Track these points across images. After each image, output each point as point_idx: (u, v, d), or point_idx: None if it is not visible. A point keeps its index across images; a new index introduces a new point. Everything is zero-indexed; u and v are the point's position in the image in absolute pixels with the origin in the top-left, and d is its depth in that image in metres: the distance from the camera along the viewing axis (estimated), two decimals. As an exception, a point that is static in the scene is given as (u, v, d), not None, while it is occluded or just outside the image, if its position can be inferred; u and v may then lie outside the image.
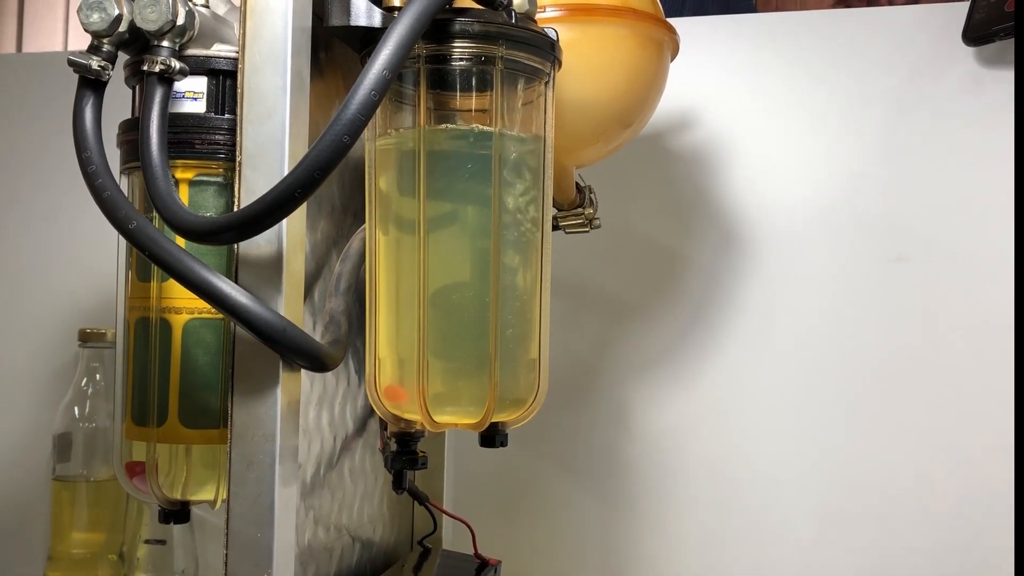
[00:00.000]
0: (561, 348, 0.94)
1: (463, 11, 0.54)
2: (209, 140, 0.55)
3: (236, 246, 0.50)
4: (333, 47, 0.62)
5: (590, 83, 0.68)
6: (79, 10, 0.51)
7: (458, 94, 0.56)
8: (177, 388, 0.56)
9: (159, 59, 0.51)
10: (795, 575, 0.93)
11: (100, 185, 0.49)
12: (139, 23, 0.52)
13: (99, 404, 0.92)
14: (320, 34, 0.56)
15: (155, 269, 0.56)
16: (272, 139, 0.50)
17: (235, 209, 0.49)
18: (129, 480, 0.59)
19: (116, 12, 0.51)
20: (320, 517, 0.64)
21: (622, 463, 0.98)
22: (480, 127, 0.56)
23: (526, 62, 0.56)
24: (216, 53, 0.56)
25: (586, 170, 0.80)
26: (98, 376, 0.93)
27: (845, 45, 0.95)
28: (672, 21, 0.73)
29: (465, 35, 0.54)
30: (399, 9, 0.52)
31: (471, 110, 0.56)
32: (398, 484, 0.65)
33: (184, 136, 0.55)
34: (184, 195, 0.56)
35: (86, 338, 0.92)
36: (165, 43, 0.52)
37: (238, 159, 0.50)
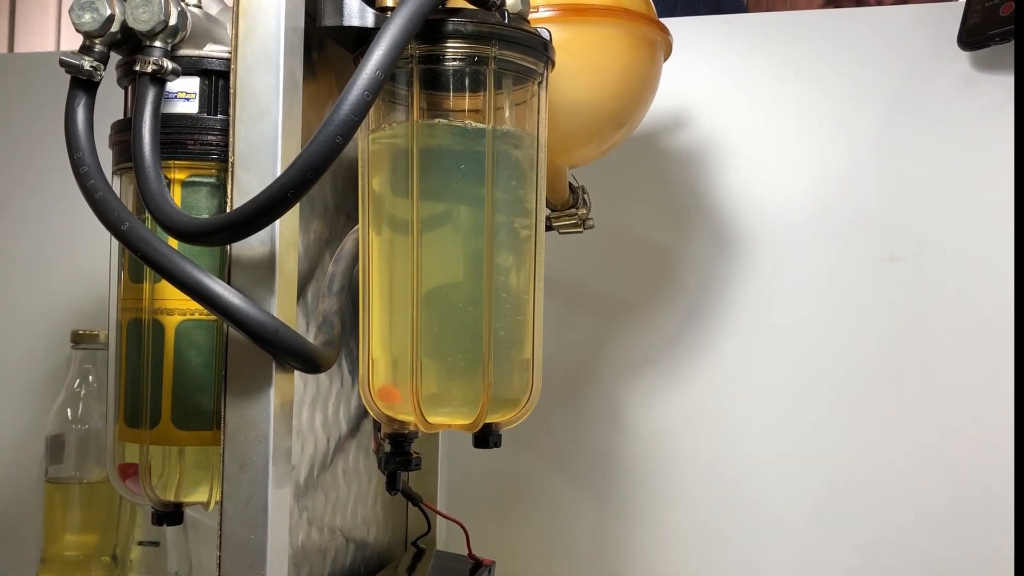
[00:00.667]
0: (555, 348, 0.95)
1: (456, 11, 0.54)
2: (202, 141, 0.55)
3: (229, 247, 0.50)
4: (326, 47, 0.62)
5: (583, 83, 0.68)
6: (71, 10, 0.51)
7: (451, 94, 0.56)
8: (170, 389, 0.56)
9: (151, 59, 0.51)
10: (791, 573, 0.93)
11: (92, 186, 0.49)
12: (131, 23, 0.51)
13: (92, 406, 0.92)
14: (313, 34, 0.55)
15: (148, 270, 0.56)
16: (265, 139, 0.50)
17: (228, 210, 0.49)
18: (122, 482, 0.58)
19: (108, 12, 0.51)
20: (314, 518, 0.64)
21: (617, 463, 0.98)
22: (474, 123, 0.56)
23: (519, 62, 0.56)
24: (209, 53, 0.55)
25: (579, 170, 0.81)
26: (91, 378, 0.92)
27: (839, 45, 0.95)
28: (665, 21, 0.73)
29: (458, 35, 0.54)
30: (392, 9, 0.52)
31: (464, 110, 0.56)
32: (392, 485, 0.65)
33: (177, 137, 0.55)
34: (177, 196, 0.56)
35: (79, 339, 0.92)
36: (157, 43, 0.52)
37: (231, 160, 0.50)
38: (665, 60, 0.75)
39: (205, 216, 0.55)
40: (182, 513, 0.58)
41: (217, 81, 0.56)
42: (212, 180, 0.56)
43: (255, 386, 0.49)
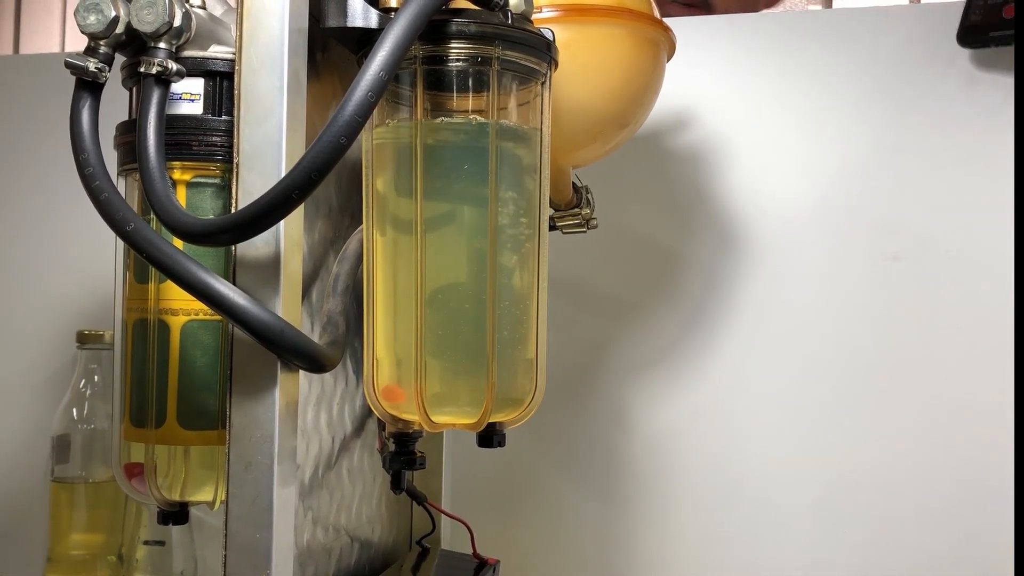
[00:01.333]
0: (559, 348, 0.95)
1: (459, 12, 0.54)
2: (206, 142, 0.55)
3: (234, 248, 0.50)
4: (330, 48, 0.62)
5: (586, 83, 0.68)
6: (76, 12, 0.51)
7: (455, 95, 0.56)
8: (175, 389, 0.56)
9: (156, 61, 0.51)
10: (793, 571, 0.94)
11: (97, 187, 0.49)
12: (136, 25, 0.52)
13: (97, 406, 0.92)
14: (317, 35, 0.56)
15: (153, 271, 0.56)
16: (269, 140, 0.50)
17: (232, 211, 0.49)
18: (128, 481, 0.59)
19: (113, 14, 0.51)
20: (319, 518, 0.64)
21: (620, 462, 0.98)
22: (477, 119, 0.56)
23: (522, 63, 0.56)
24: (213, 54, 0.56)
25: (583, 170, 0.81)
26: (96, 378, 0.93)
27: (842, 44, 0.95)
28: (668, 21, 0.73)
29: (461, 36, 0.54)
30: (395, 10, 0.52)
31: (468, 110, 0.56)
32: (396, 484, 0.65)
33: (181, 138, 0.55)
34: (181, 197, 0.56)
35: (84, 340, 0.92)
36: (162, 45, 0.52)
37: (235, 160, 0.50)
38: (668, 60, 0.75)
39: (210, 217, 0.56)
40: (187, 513, 0.59)
41: (221, 82, 0.56)
42: (217, 181, 0.56)
43: (260, 386, 0.49)
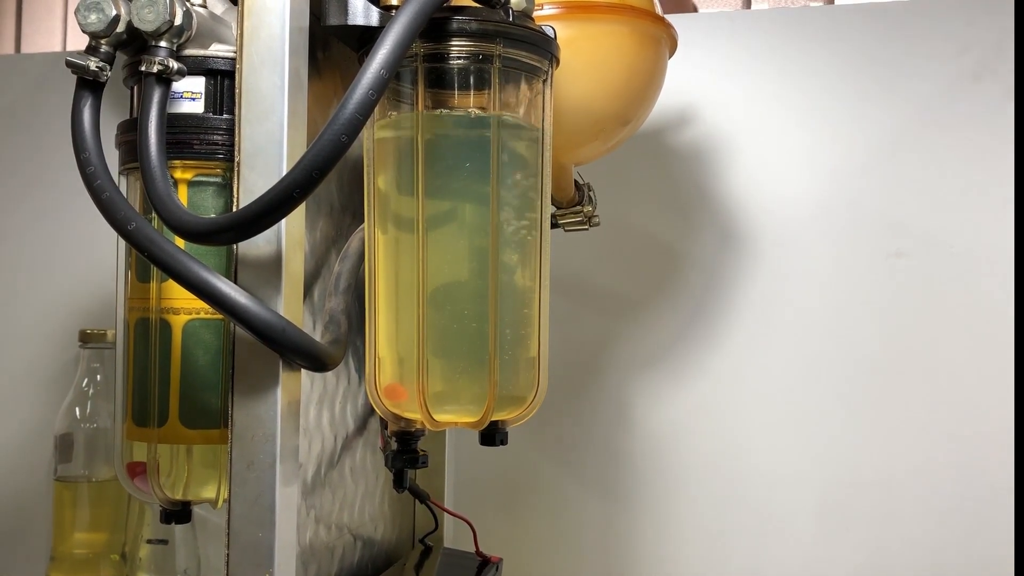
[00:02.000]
0: (561, 346, 0.94)
1: (460, 9, 0.54)
2: (207, 140, 0.55)
3: (235, 246, 0.50)
4: (331, 46, 0.62)
5: (588, 80, 0.68)
6: (77, 11, 0.51)
7: (456, 92, 0.56)
8: (177, 389, 0.56)
9: (157, 59, 0.51)
10: (796, 570, 0.93)
11: (99, 186, 0.49)
12: (137, 24, 0.52)
13: (100, 405, 0.92)
14: (318, 33, 0.56)
15: (154, 270, 0.56)
16: (270, 139, 0.50)
17: (234, 209, 0.49)
18: (130, 480, 0.59)
19: (114, 13, 0.51)
20: (321, 516, 0.64)
21: (623, 460, 0.98)
22: (478, 111, 0.56)
23: (524, 60, 0.56)
24: (214, 53, 0.55)
25: (585, 167, 0.80)
26: (99, 377, 0.93)
27: (844, 42, 0.95)
28: (669, 17, 0.73)
29: (463, 33, 0.54)
30: (396, 8, 0.52)
31: (469, 108, 0.56)
32: (399, 483, 0.65)
33: (182, 136, 0.55)
34: (183, 195, 0.56)
35: (86, 339, 0.92)
36: (163, 43, 0.52)
37: (236, 159, 0.50)
38: (670, 57, 0.75)
39: (211, 215, 0.56)
40: (190, 511, 0.59)
41: (223, 81, 0.56)
42: (218, 180, 0.56)
43: (262, 385, 0.49)
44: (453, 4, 0.54)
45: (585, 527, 0.98)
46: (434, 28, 0.53)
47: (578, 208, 0.82)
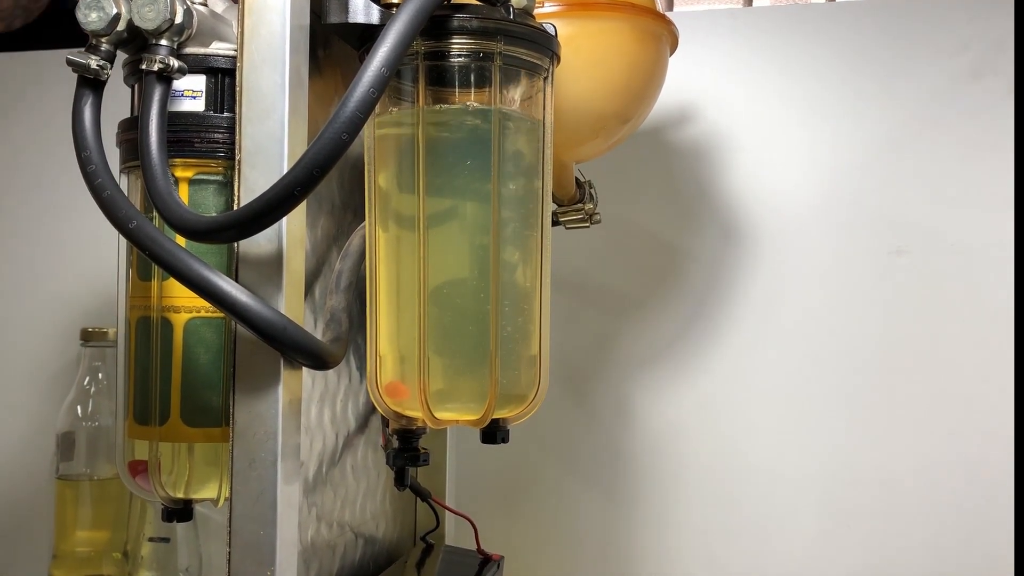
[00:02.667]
0: (562, 343, 0.95)
1: (461, 7, 0.54)
2: (208, 138, 0.55)
3: (236, 244, 0.50)
4: (332, 44, 0.62)
5: (589, 78, 0.68)
6: (77, 9, 0.51)
7: (457, 90, 0.56)
8: (179, 387, 0.56)
9: (157, 58, 0.51)
10: (797, 569, 0.93)
11: (100, 184, 0.49)
12: (137, 22, 0.51)
13: (102, 403, 0.92)
14: (318, 31, 0.56)
15: (156, 268, 0.56)
16: (271, 137, 0.50)
17: (235, 207, 0.49)
18: (132, 479, 0.59)
19: (114, 11, 0.51)
20: (323, 514, 0.64)
21: (624, 458, 0.98)
22: (478, 105, 0.55)
23: (525, 58, 0.56)
24: (215, 51, 0.55)
25: (586, 165, 0.80)
26: (100, 375, 0.93)
27: (844, 39, 0.95)
28: (670, 15, 0.73)
29: (463, 31, 0.54)
30: (397, 6, 0.52)
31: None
32: (400, 481, 0.65)
33: (183, 135, 0.55)
34: (184, 194, 0.56)
35: (88, 337, 0.92)
36: (163, 42, 0.52)
37: (237, 157, 0.50)
38: (671, 54, 0.75)
39: (212, 214, 0.56)
40: (192, 510, 0.59)
41: (223, 79, 0.56)
42: (219, 178, 0.56)
43: (263, 383, 0.49)
44: (454, 2, 0.54)
45: (586, 525, 0.98)
46: (435, 26, 0.53)
47: (579, 206, 0.82)
